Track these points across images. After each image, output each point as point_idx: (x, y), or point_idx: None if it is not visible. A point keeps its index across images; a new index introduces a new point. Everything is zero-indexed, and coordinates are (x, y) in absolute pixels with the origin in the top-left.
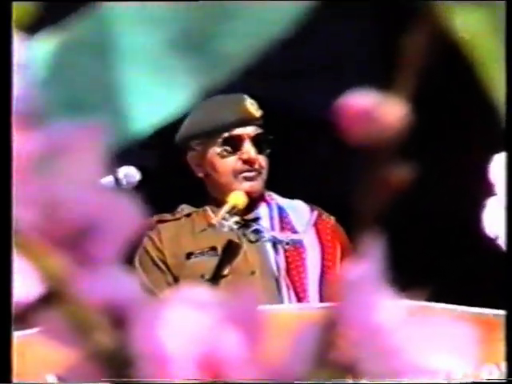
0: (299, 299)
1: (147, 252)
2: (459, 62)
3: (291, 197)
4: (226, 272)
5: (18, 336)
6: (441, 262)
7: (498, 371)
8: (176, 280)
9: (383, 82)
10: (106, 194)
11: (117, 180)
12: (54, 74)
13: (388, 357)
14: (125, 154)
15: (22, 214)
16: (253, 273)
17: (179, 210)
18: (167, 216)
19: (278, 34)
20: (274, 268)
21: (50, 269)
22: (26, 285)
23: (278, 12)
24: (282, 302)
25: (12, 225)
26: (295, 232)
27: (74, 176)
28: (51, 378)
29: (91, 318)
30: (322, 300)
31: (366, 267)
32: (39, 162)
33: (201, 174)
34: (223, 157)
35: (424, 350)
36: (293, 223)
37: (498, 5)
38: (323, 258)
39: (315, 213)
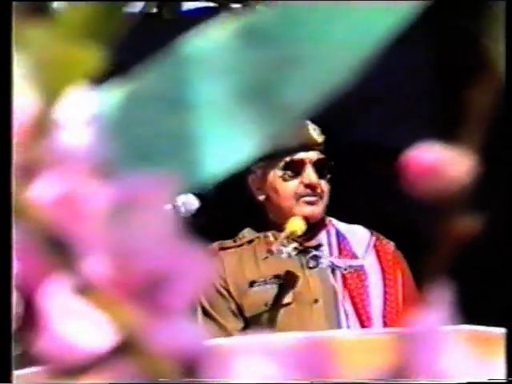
0: (363, 327)
1: None
2: None
3: (351, 221)
4: (286, 301)
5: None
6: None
7: None
8: (239, 308)
9: (448, 135)
10: (178, 245)
11: (175, 208)
12: (122, 125)
13: None
14: None
15: (95, 265)
16: (316, 301)
17: (241, 235)
18: (229, 243)
19: (343, 82)
20: (338, 296)
21: (124, 320)
22: (99, 336)
23: (342, 60)
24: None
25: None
26: (355, 257)
27: (147, 227)
28: None
29: (163, 368)
30: (385, 326)
31: (433, 318)
32: (114, 213)
33: (261, 198)
34: (285, 180)
35: None
36: (352, 249)
37: None
38: (385, 284)
39: (374, 237)
